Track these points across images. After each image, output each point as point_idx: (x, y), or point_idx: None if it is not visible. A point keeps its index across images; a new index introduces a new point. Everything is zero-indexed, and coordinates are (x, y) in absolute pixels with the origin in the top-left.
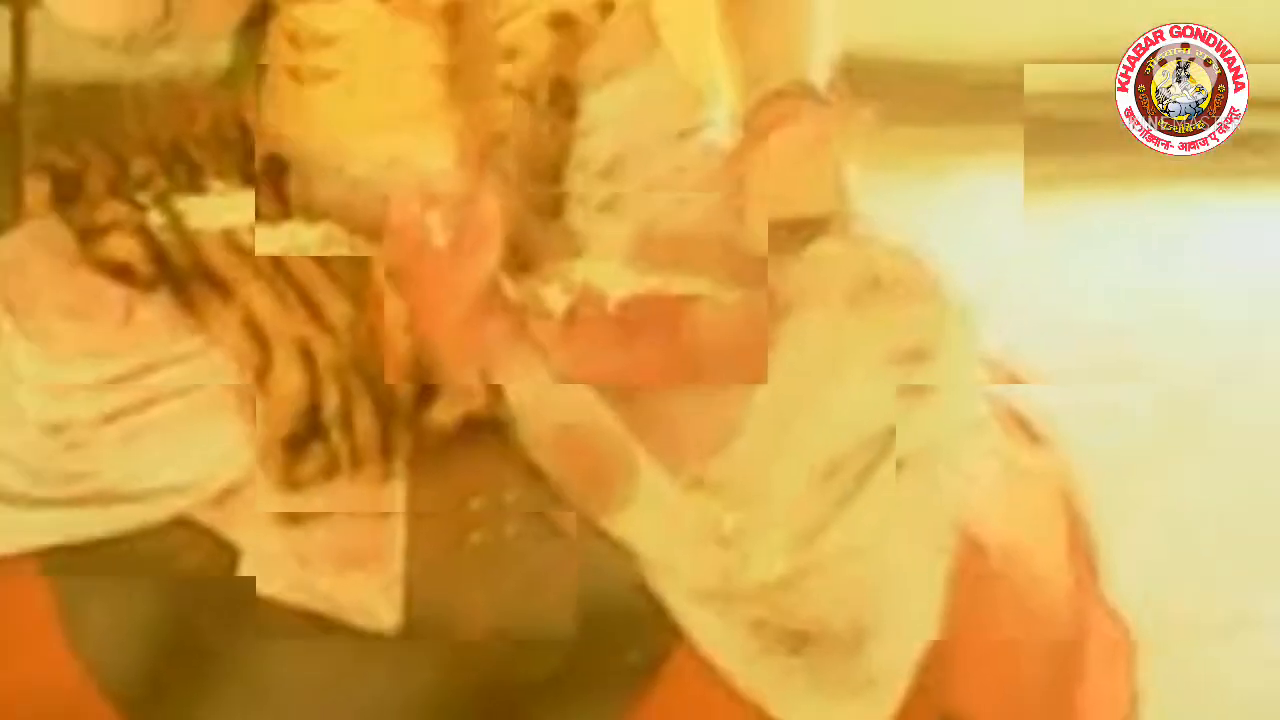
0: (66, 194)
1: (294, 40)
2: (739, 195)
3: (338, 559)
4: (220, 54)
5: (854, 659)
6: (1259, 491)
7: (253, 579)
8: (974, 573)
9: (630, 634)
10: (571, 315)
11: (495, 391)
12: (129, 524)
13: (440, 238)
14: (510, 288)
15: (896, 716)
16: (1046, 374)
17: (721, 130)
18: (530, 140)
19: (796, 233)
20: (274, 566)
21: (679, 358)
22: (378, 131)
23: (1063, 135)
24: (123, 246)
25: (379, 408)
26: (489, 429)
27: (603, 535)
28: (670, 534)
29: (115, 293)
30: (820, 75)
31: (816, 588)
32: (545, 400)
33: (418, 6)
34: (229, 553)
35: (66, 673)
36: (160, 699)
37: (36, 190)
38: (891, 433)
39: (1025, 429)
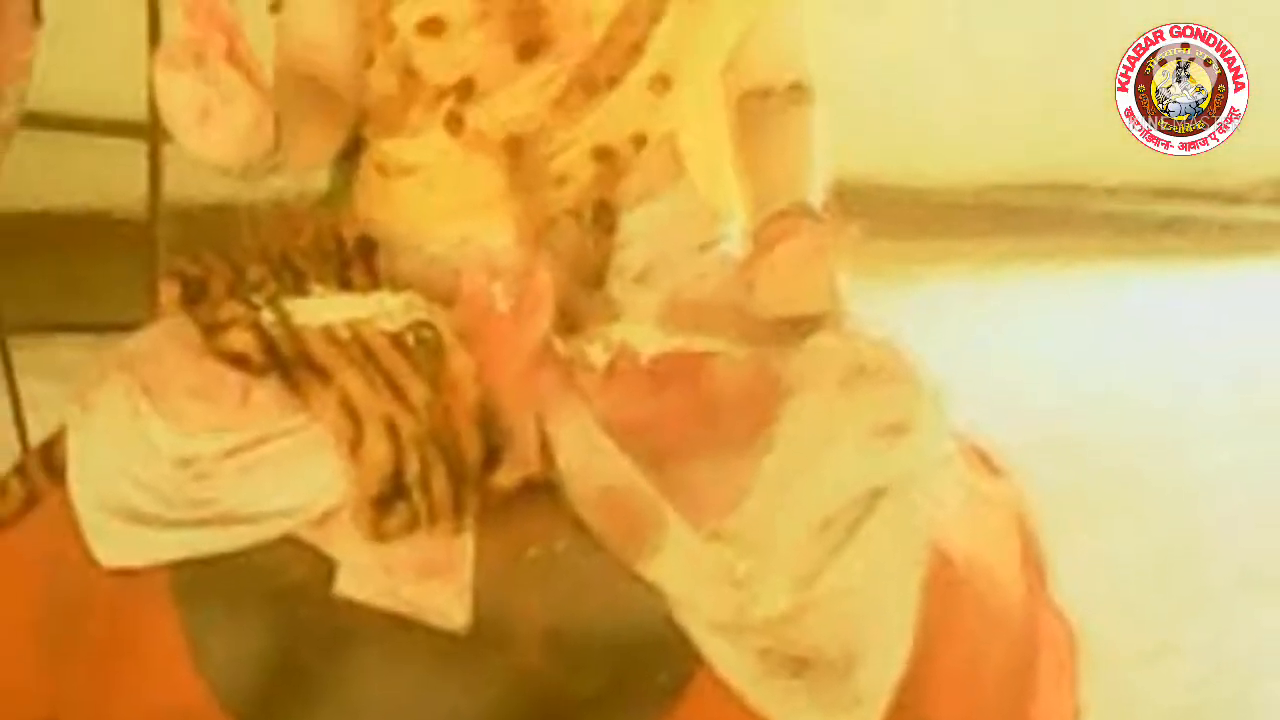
0: (194, 296)
1: (381, 169)
2: (750, 299)
3: (418, 569)
4: (320, 179)
5: (845, 681)
6: (1179, 543)
7: (347, 608)
8: (944, 580)
9: (660, 659)
10: (611, 368)
11: (548, 459)
12: (245, 541)
13: (503, 304)
14: (560, 346)
15: None
16: (1002, 446)
17: (735, 243)
18: (577, 250)
19: (797, 328)
20: (366, 576)
21: (700, 403)
22: (451, 217)
23: (1010, 219)
24: (240, 339)
25: (452, 473)
26: (543, 490)
27: (637, 578)
28: (693, 577)
29: (234, 378)
30: (816, 198)
31: (813, 622)
32: (590, 466)
33: (484, 142)
34: (327, 564)
35: (194, 692)
36: (271, 713)
37: (168, 293)
38: (876, 493)
39: (986, 463)
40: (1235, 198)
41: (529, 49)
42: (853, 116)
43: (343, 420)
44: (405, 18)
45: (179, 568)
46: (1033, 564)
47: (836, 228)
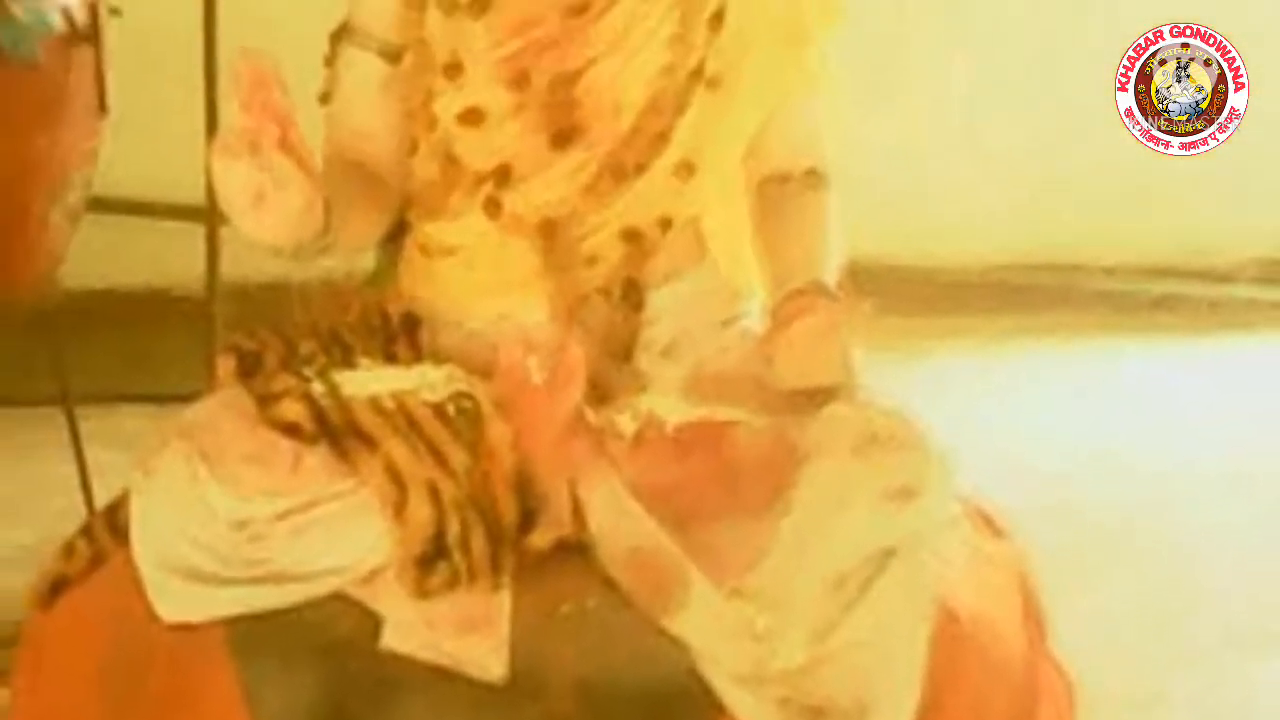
0: (248, 369)
1: (424, 250)
2: (769, 371)
3: (458, 624)
4: (367, 260)
5: None
6: (1171, 601)
7: (393, 660)
8: (950, 634)
9: (684, 709)
10: (639, 437)
11: (580, 521)
12: (297, 598)
13: (538, 377)
14: (591, 416)
15: None
16: (1005, 509)
17: (755, 319)
18: (607, 326)
19: (813, 399)
20: (410, 630)
21: (722, 469)
22: (489, 295)
23: (1013, 297)
24: (292, 410)
25: (490, 534)
26: (575, 550)
27: (663, 632)
28: (715, 631)
29: (286, 445)
30: (831, 277)
31: (828, 674)
32: (619, 528)
33: (520, 225)
34: (374, 620)
35: None
36: None
37: (225, 366)
38: (887, 553)
39: (989, 525)
40: (1223, 277)
41: (562, 138)
42: (866, 201)
43: (388, 485)
44: (447, 109)
45: (235, 623)
46: (1033, 619)
47: (850, 305)
